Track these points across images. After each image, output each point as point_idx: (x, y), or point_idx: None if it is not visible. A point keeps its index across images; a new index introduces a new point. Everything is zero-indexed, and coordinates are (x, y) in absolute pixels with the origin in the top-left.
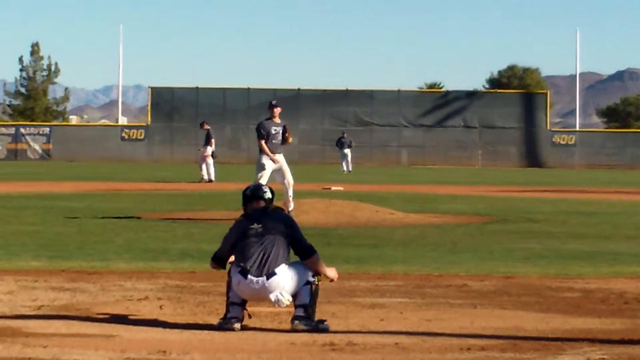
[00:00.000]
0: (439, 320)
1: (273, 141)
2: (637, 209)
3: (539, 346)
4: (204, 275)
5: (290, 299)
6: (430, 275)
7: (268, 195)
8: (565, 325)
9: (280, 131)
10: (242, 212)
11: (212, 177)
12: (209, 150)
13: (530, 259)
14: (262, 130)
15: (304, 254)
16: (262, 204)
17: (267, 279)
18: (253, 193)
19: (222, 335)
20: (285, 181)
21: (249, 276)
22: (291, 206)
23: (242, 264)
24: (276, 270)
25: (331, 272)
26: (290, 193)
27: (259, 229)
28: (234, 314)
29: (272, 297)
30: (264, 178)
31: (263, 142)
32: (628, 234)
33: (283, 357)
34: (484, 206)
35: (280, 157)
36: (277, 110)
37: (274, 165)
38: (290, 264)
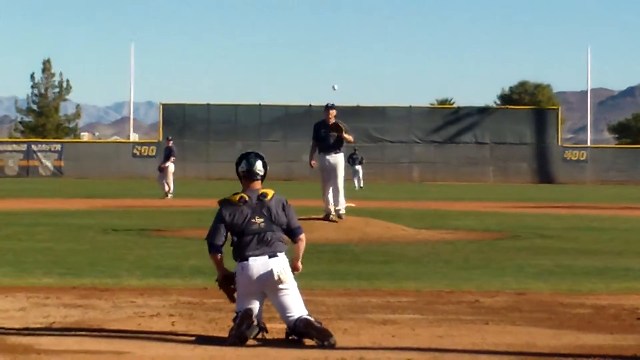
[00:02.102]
0: (450, 336)
1: (324, 142)
2: None
3: None
4: (215, 291)
5: (290, 278)
6: (441, 292)
7: (261, 173)
8: (577, 341)
9: (331, 133)
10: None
11: (170, 191)
12: (170, 164)
13: (542, 275)
14: (313, 133)
15: (293, 233)
16: (258, 185)
17: (269, 257)
18: (245, 174)
19: (233, 352)
20: (333, 187)
21: (250, 258)
22: (341, 210)
23: (242, 255)
24: (278, 254)
25: (300, 263)
26: (339, 198)
27: (262, 223)
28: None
29: (275, 270)
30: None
31: (313, 143)
32: (639, 250)
33: None
34: (495, 222)
35: (331, 159)
36: (332, 113)
37: (326, 166)
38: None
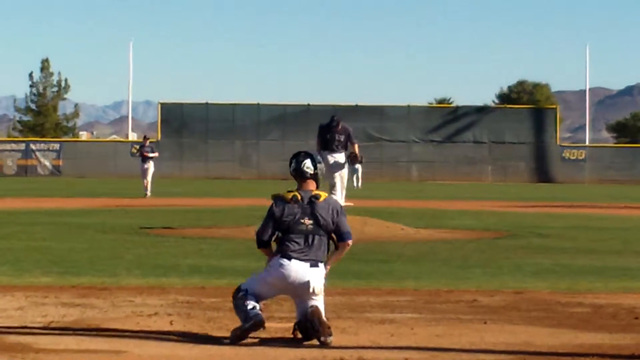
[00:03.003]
0: (449, 335)
1: (329, 144)
2: None
3: None
4: (213, 291)
5: (322, 292)
6: (440, 291)
7: (310, 171)
8: (576, 340)
9: (340, 138)
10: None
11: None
12: (151, 164)
13: (540, 274)
14: (318, 133)
15: (342, 237)
16: (312, 186)
17: (311, 266)
18: (296, 171)
19: (232, 351)
20: (338, 185)
21: (293, 260)
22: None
23: (286, 251)
24: (319, 264)
25: (329, 267)
26: (340, 197)
27: (310, 225)
28: (255, 312)
29: (312, 283)
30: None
31: (317, 141)
32: (638, 250)
33: None
34: (493, 221)
35: (336, 159)
36: (339, 124)
37: (330, 165)
38: None
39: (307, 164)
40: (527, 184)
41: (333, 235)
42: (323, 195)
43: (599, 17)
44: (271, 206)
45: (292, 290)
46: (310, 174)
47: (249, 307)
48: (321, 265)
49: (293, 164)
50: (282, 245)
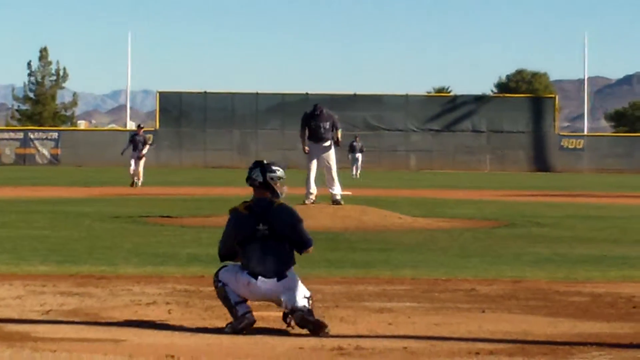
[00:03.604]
0: (447, 324)
1: (315, 133)
2: None
3: (548, 350)
4: (212, 279)
5: (301, 304)
6: (438, 280)
7: (259, 179)
8: (574, 329)
9: (325, 126)
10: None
11: (136, 180)
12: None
13: (539, 263)
14: (302, 123)
15: (303, 245)
16: (265, 194)
17: (278, 280)
18: (247, 180)
19: (230, 340)
20: (327, 176)
21: (260, 277)
22: (337, 196)
23: (249, 267)
24: (287, 273)
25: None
26: (334, 186)
27: (265, 231)
28: (244, 310)
29: (284, 297)
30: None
31: (301, 132)
32: (637, 238)
33: None
34: (492, 210)
35: (322, 148)
36: (322, 111)
37: (317, 155)
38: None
39: (256, 173)
40: (525, 173)
41: (295, 245)
42: (278, 202)
43: (597, 6)
44: (228, 220)
45: (267, 301)
46: (260, 182)
47: (234, 301)
48: (290, 272)
49: (247, 174)
50: (244, 258)
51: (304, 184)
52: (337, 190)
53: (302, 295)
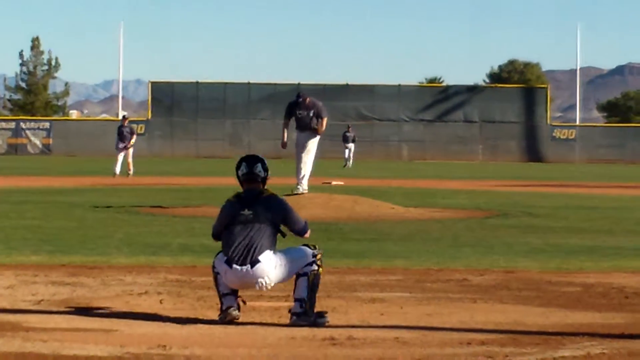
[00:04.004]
0: (439, 314)
1: (300, 122)
2: (638, 203)
3: (539, 340)
4: (204, 269)
5: (273, 283)
6: (430, 270)
7: (262, 175)
8: (566, 319)
9: (309, 113)
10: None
11: (117, 172)
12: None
13: (531, 253)
14: (286, 111)
15: (299, 233)
16: (258, 186)
17: (252, 267)
18: (246, 176)
19: (222, 330)
20: (302, 163)
21: (234, 265)
22: (299, 189)
23: (227, 254)
24: (260, 257)
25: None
26: (303, 177)
27: (249, 215)
28: (228, 304)
29: (257, 285)
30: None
31: (284, 122)
32: (628, 229)
33: (283, 352)
34: (484, 201)
35: (305, 137)
36: (306, 100)
37: (300, 142)
38: (280, 251)
39: (242, 168)
40: (517, 163)
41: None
42: (267, 192)
43: None
44: (222, 206)
45: (244, 288)
46: (245, 177)
47: (222, 292)
48: (264, 256)
49: (245, 174)
50: (224, 239)
51: (294, 174)
52: (305, 183)
53: (283, 274)
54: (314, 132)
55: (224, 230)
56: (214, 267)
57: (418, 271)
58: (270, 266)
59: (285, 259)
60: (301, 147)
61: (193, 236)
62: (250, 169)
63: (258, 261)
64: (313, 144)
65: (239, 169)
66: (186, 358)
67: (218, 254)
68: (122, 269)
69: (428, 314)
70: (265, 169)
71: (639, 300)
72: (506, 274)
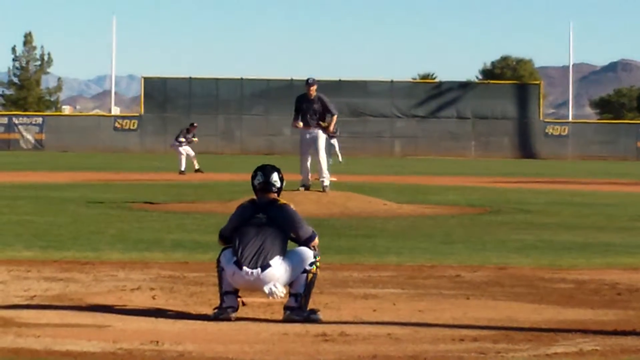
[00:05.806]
0: (431, 311)
1: (305, 117)
2: (630, 200)
3: (532, 337)
4: (196, 265)
5: (284, 292)
6: (423, 266)
7: (277, 185)
8: (558, 316)
9: (316, 109)
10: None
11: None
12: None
13: (523, 250)
14: (295, 105)
15: (305, 243)
16: (273, 195)
17: (262, 271)
18: (262, 186)
19: (214, 326)
20: (314, 160)
21: (244, 267)
22: (325, 182)
23: (237, 255)
24: (271, 262)
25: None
26: (322, 172)
27: (263, 219)
28: (229, 304)
29: (266, 289)
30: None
31: (295, 114)
32: (621, 225)
33: (276, 348)
34: (477, 197)
35: (311, 133)
36: (312, 89)
37: (306, 139)
38: (286, 255)
39: (257, 177)
40: (510, 160)
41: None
42: (280, 201)
43: None
44: (235, 210)
45: (252, 290)
46: (261, 186)
47: (224, 290)
48: (274, 261)
49: (261, 183)
50: (235, 242)
51: (294, 170)
52: (326, 177)
53: (288, 278)
54: (322, 129)
55: (235, 232)
56: (218, 262)
57: (411, 267)
58: (280, 271)
59: (291, 263)
60: (307, 146)
61: (186, 232)
62: (267, 178)
63: (269, 265)
64: (321, 142)
65: (255, 178)
66: (179, 354)
67: (224, 250)
68: (114, 265)
69: (420, 310)
70: (281, 179)
71: (631, 297)
72: (499, 270)
